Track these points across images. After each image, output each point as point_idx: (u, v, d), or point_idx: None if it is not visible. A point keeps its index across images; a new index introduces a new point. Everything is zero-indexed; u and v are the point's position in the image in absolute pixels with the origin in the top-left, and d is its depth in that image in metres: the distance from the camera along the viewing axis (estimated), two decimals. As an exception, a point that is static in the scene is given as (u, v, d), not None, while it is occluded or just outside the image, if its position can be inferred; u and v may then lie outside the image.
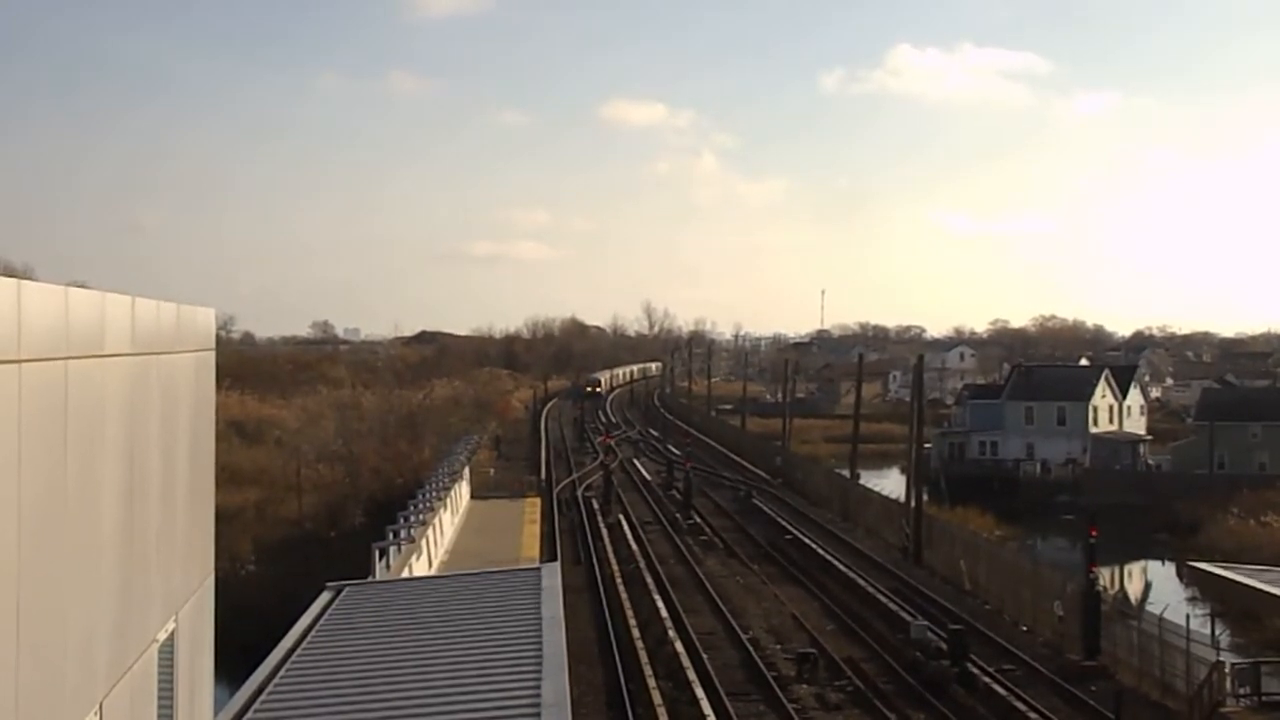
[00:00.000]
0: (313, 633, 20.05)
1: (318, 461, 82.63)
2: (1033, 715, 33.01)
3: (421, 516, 45.88)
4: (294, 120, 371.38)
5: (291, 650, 18.98)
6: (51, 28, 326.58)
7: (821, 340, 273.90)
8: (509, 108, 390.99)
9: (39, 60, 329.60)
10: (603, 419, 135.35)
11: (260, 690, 17.07)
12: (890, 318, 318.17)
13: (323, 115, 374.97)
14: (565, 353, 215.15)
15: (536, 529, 59.28)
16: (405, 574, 36.37)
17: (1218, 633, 39.50)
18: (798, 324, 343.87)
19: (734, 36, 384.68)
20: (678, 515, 69.20)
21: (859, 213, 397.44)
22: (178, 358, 11.66)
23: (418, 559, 41.66)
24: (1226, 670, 33.60)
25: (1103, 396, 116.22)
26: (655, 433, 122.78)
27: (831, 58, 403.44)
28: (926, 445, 79.48)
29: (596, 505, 71.68)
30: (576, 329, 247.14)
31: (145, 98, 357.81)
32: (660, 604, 45.69)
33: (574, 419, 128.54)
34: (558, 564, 27.78)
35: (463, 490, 66.00)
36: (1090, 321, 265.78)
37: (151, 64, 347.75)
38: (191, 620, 12.13)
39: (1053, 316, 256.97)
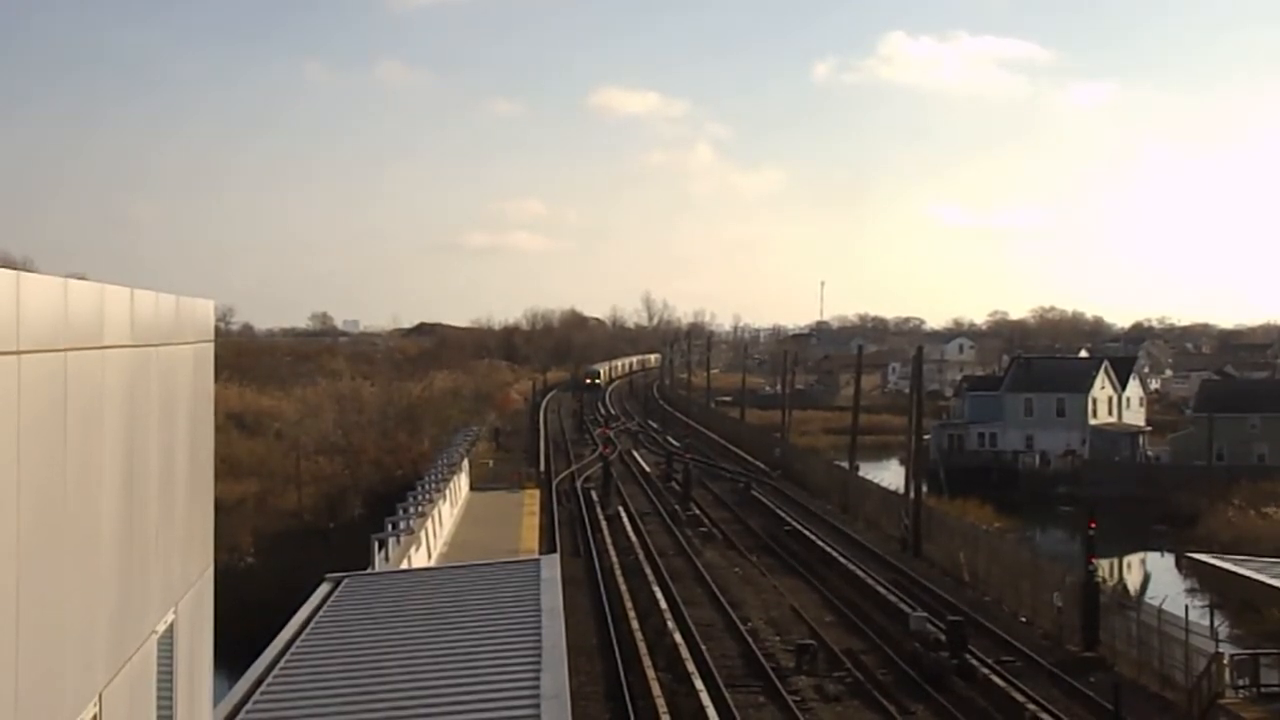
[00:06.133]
0: (312, 624, 20.08)
1: (317, 453, 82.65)
2: (1031, 706, 33.06)
3: (421, 508, 45.89)
4: (287, 111, 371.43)
5: (291, 641, 19.01)
6: (43, 22, 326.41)
7: (820, 332, 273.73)
8: (500, 98, 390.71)
9: (31, 55, 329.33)
10: (602, 411, 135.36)
11: (260, 681, 17.10)
12: (889, 309, 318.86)
13: (315, 106, 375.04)
14: (564, 344, 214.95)
15: (535, 521, 59.32)
16: (404, 566, 36.41)
17: (1216, 624, 39.52)
18: (797, 315, 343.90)
19: (726, 24, 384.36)
20: (677, 507, 69.23)
21: (857, 204, 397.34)
22: (177, 349, 11.64)
23: (417, 551, 41.69)
24: (1225, 661, 33.62)
25: (1102, 388, 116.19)
26: (654, 424, 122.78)
27: (824, 46, 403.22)
28: (926, 437, 79.49)
29: (595, 497, 71.73)
30: (575, 321, 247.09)
31: (138, 91, 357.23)
32: (659, 595, 45.74)
33: (573, 411, 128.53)
34: (557, 556, 27.82)
35: (462, 482, 66.03)
36: (1089, 313, 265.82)
37: (144, 57, 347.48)
38: (191, 612, 12.12)
39: (1052, 308, 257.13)
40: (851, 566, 52.62)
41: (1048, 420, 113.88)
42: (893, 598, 46.40)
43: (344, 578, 23.76)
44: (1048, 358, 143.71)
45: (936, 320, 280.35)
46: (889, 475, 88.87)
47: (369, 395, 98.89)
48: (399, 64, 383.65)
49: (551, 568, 22.96)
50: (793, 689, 35.44)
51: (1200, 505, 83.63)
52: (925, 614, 41.96)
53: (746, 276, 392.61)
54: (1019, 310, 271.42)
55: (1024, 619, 44.96)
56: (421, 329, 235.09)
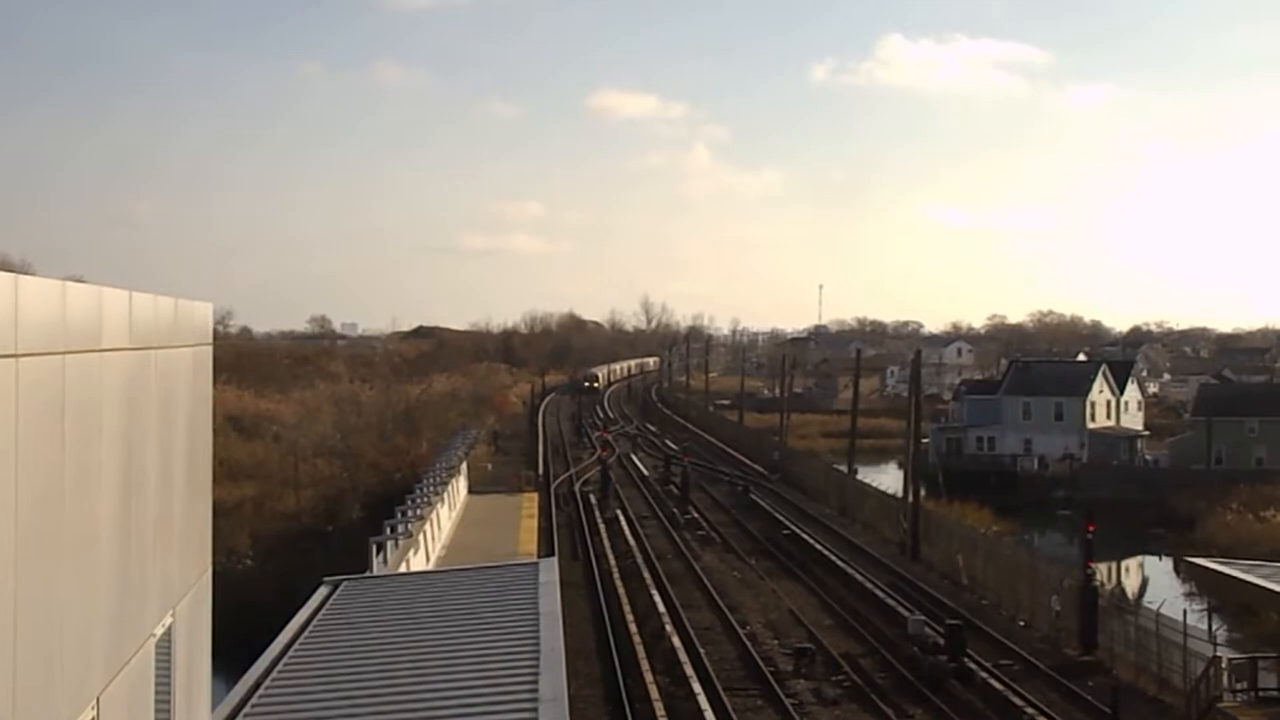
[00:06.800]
0: (310, 627, 20.06)
1: (315, 456, 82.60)
2: (1030, 710, 33.06)
3: (419, 511, 45.85)
4: (284, 112, 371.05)
5: (289, 644, 18.99)
6: (43, 21, 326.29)
7: (819, 335, 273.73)
8: (499, 99, 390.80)
9: (31, 54, 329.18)
10: (600, 414, 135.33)
11: (258, 684, 17.08)
12: (888, 313, 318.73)
13: (312, 107, 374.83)
14: (563, 347, 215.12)
15: (534, 524, 59.28)
16: (403, 569, 36.37)
17: (1214, 628, 39.53)
18: (795, 319, 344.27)
19: (723, 26, 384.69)
20: (675, 510, 69.20)
21: (855, 206, 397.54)
22: (175, 352, 11.64)
23: (415, 554, 41.66)
24: (1223, 665, 33.61)
25: (1100, 392, 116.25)
26: (653, 428, 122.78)
27: (822, 48, 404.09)
28: (924, 440, 79.48)
29: (594, 500, 71.70)
30: (574, 324, 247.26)
31: (136, 90, 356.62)
32: (658, 599, 45.72)
33: (572, 414, 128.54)
34: (555, 559, 27.77)
35: (460, 485, 65.98)
36: (1088, 317, 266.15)
37: (144, 57, 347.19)
38: (189, 615, 12.12)
39: (1050, 312, 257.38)
40: (850, 570, 52.59)
41: (1046, 424, 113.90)
42: (891, 601, 46.38)
43: (342, 580, 23.75)
44: (1046, 361, 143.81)
45: (935, 324, 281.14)
46: (887, 479, 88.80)
47: (367, 398, 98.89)
48: (398, 64, 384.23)
49: (550, 571, 22.95)
50: (791, 693, 35.41)
51: (1198, 509, 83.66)
52: (923, 617, 41.94)
53: (745, 279, 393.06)
54: (1017, 314, 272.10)
55: (1022, 622, 44.95)
56: (420, 332, 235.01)
